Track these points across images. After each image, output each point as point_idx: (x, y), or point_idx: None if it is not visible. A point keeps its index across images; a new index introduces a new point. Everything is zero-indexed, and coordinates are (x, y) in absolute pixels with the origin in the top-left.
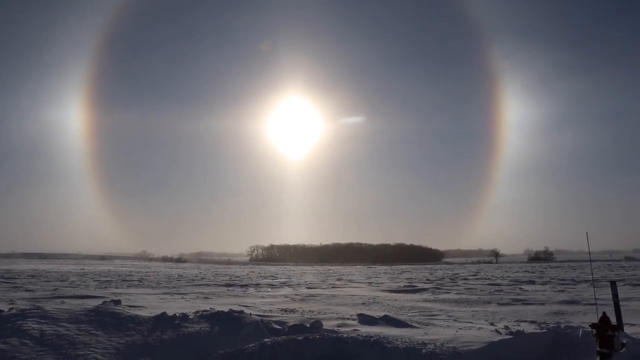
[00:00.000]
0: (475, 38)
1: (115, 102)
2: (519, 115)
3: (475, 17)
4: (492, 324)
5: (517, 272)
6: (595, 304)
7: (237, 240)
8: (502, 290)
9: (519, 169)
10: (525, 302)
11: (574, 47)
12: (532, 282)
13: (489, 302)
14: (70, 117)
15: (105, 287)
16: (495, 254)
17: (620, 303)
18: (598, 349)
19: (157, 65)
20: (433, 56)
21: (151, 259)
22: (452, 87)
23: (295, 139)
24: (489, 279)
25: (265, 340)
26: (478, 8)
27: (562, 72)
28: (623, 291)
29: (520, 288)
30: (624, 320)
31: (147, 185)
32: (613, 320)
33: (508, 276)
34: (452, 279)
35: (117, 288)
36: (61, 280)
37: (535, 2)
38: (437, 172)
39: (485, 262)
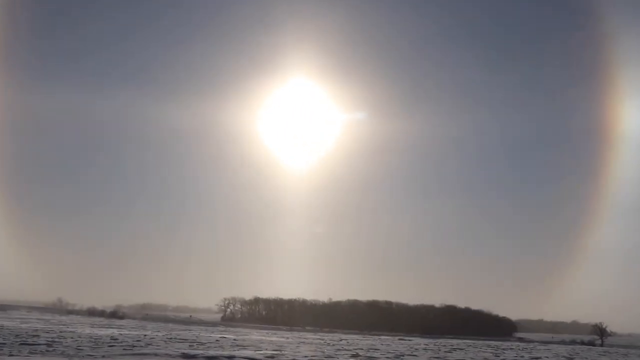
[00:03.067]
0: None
1: (32, 77)
2: None
3: None
4: None
5: None
6: None
7: (203, 288)
8: None
9: (638, 203)
10: None
11: None
12: None
13: None
14: None
15: None
16: (600, 330)
17: None
18: None
19: (92, 23)
20: (503, 33)
21: (70, 312)
22: (530, 77)
23: (298, 143)
24: None
25: None
26: None
27: None
28: None
29: None
30: None
31: (71, 201)
32: None
33: None
34: None
35: (11, 355)
36: None
37: None
38: (506, 200)
39: (583, 343)
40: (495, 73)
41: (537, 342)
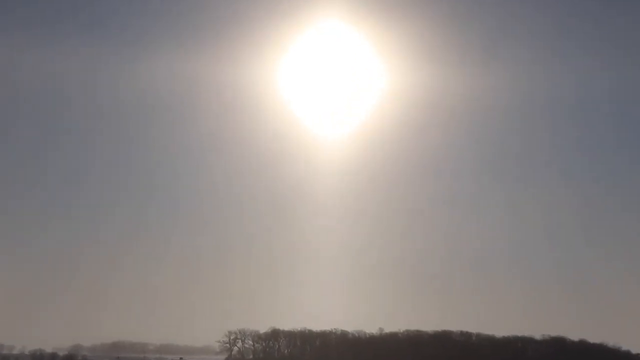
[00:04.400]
0: None
1: None
2: None
3: None
4: None
5: None
6: None
7: (199, 319)
8: None
9: None
10: None
11: None
12: None
13: None
14: None
15: None
16: None
17: None
18: None
19: None
20: None
21: (5, 357)
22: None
23: (330, 107)
24: None
25: None
26: None
27: None
28: None
29: None
30: None
31: (6, 212)
32: None
33: None
34: None
35: None
36: None
37: None
38: (620, 190)
39: None
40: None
41: None
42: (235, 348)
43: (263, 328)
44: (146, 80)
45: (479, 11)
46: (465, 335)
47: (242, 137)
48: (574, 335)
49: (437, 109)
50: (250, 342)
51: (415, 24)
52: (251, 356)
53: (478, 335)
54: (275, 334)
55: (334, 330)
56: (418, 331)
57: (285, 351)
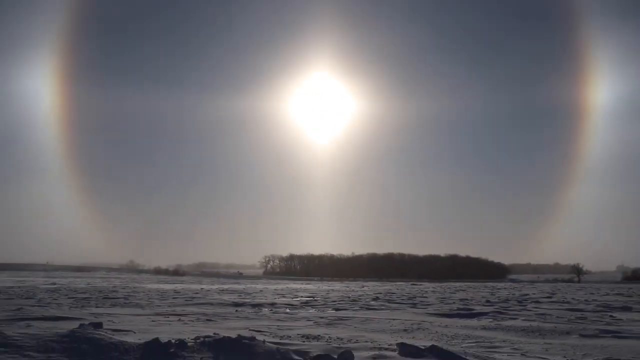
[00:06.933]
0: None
1: (101, 84)
2: (610, 94)
3: None
4: None
5: (607, 294)
6: None
7: (248, 248)
8: (586, 318)
9: (610, 162)
10: (617, 335)
11: None
12: (628, 309)
13: (568, 333)
14: (41, 102)
15: (83, 306)
16: (577, 270)
17: None
18: None
19: (154, 37)
20: (488, 31)
21: (141, 271)
22: (515, 63)
23: (321, 123)
24: (568, 302)
25: None
26: None
27: None
28: None
29: (610, 316)
30: None
31: (137, 182)
32: None
33: (594, 300)
34: (519, 302)
35: (97, 307)
36: (26, 298)
37: None
38: (500, 167)
39: (563, 281)
40: (491, 61)
41: (526, 282)
42: (269, 265)
43: (285, 253)
44: (219, 110)
45: (402, 70)
46: (401, 255)
47: (271, 141)
48: (462, 253)
49: (387, 129)
50: (277, 262)
51: (372, 76)
52: (278, 270)
53: (408, 255)
54: (292, 257)
55: (326, 254)
56: (374, 253)
57: (298, 267)
